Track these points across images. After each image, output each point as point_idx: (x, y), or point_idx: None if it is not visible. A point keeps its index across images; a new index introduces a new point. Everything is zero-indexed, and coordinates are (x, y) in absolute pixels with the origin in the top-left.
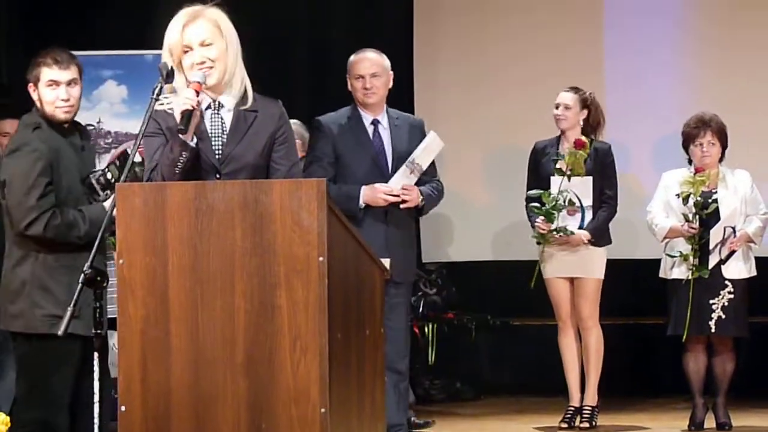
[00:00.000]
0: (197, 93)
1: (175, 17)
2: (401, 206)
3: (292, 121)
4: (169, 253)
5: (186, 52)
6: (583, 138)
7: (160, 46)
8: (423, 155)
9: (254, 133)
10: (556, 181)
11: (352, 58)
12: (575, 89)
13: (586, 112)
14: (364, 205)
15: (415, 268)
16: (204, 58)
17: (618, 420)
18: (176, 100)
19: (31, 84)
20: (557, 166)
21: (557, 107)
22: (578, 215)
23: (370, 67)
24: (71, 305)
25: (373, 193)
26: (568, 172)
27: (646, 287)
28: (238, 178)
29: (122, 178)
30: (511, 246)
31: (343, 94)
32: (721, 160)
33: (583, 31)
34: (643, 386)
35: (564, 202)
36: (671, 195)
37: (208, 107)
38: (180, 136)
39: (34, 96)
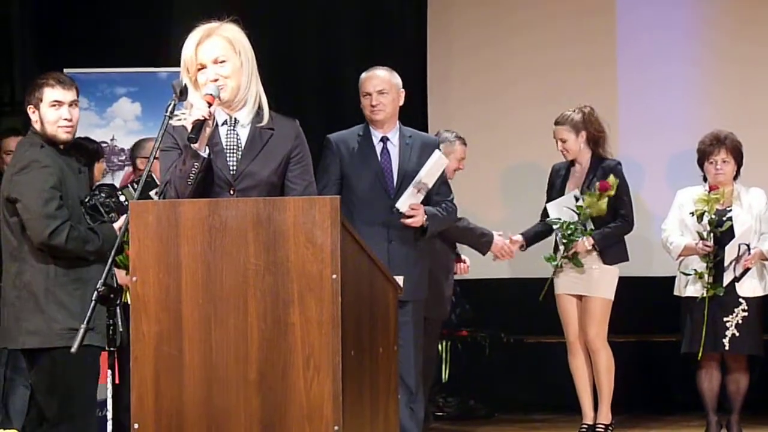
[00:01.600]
0: (209, 104)
1: (190, 34)
2: (405, 222)
3: (446, 133)
4: (183, 270)
5: (200, 69)
6: (609, 181)
7: (173, 64)
8: (429, 174)
9: (269, 151)
10: (567, 201)
11: (362, 75)
12: (562, 117)
13: (584, 133)
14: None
15: (425, 285)
16: (217, 75)
17: None
18: (190, 113)
19: (31, 105)
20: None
21: (556, 142)
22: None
23: (378, 84)
24: (84, 322)
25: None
26: (586, 213)
27: (660, 305)
28: (252, 195)
29: (136, 197)
30: (525, 263)
31: (356, 111)
32: (735, 177)
33: (596, 47)
34: (657, 403)
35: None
36: (685, 213)
37: (224, 123)
38: (191, 146)
39: (34, 117)
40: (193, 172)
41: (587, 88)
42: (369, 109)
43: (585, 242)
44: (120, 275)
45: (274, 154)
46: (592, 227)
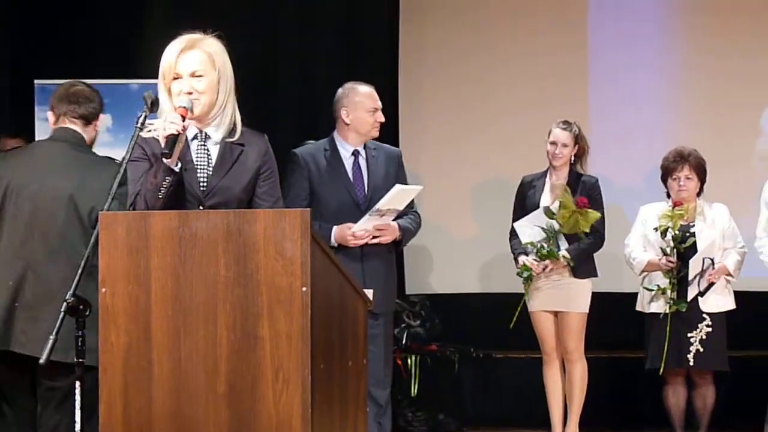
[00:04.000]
0: (183, 118)
1: (173, 42)
2: (377, 241)
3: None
4: (152, 282)
5: (176, 78)
6: (587, 199)
7: (144, 76)
8: (390, 203)
9: (240, 167)
10: (538, 216)
11: (363, 89)
12: (567, 125)
13: (577, 147)
14: (336, 244)
15: (394, 298)
16: (191, 88)
17: None
18: (161, 125)
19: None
20: (552, 211)
21: (553, 144)
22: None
23: (377, 100)
24: (54, 333)
25: (342, 234)
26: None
27: (629, 320)
28: None
29: (105, 207)
30: (495, 278)
31: (327, 127)
32: (699, 194)
33: (568, 61)
34: (626, 419)
35: (551, 233)
36: (649, 228)
37: (195, 138)
38: (164, 160)
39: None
40: (164, 186)
41: (558, 102)
42: (374, 126)
43: (560, 257)
44: None
45: (244, 170)
46: (567, 244)
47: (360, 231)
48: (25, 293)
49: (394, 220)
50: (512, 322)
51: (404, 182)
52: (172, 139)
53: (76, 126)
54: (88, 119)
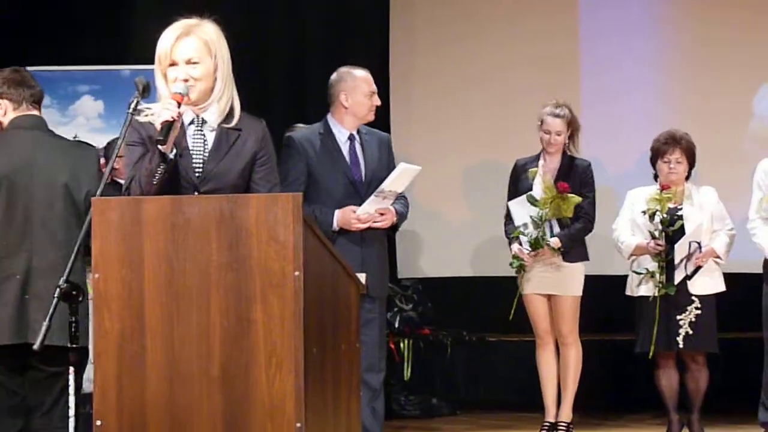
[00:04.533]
0: (178, 104)
1: (169, 27)
2: (378, 225)
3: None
4: (145, 267)
5: (172, 65)
6: (566, 184)
7: (136, 62)
8: (393, 184)
9: (236, 153)
10: (517, 206)
11: (360, 73)
12: (559, 111)
13: (570, 130)
14: (337, 228)
15: (388, 282)
16: (187, 75)
17: None
18: (157, 110)
19: None
20: (534, 195)
21: (547, 133)
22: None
23: (373, 83)
24: (47, 319)
25: (346, 217)
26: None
27: (621, 303)
28: None
29: (98, 192)
30: (487, 261)
31: (316, 110)
32: (687, 178)
33: (559, 46)
34: (619, 402)
35: (539, 221)
36: (637, 212)
37: (191, 123)
38: (159, 147)
39: None
40: (159, 172)
41: (550, 87)
42: (371, 109)
43: (552, 243)
44: None
45: (240, 155)
46: (558, 228)
47: (365, 214)
48: (35, 284)
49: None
50: (510, 313)
51: (393, 167)
52: (167, 126)
53: (37, 111)
54: (40, 103)
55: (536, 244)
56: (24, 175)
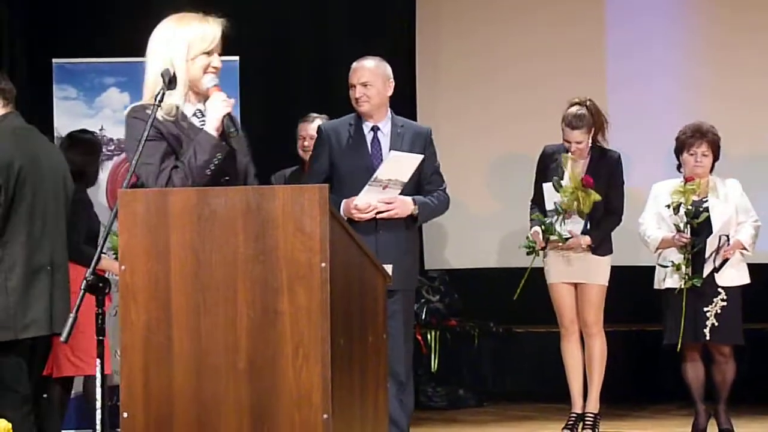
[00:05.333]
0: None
1: (208, 17)
2: (386, 215)
3: None
4: (172, 259)
5: (208, 53)
6: (591, 179)
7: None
8: (390, 173)
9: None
10: (549, 190)
11: (352, 65)
12: (578, 122)
13: (594, 129)
14: (346, 218)
15: (415, 275)
16: (220, 64)
17: (620, 427)
18: (211, 106)
19: None
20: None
21: (567, 142)
22: (576, 217)
23: (362, 76)
24: (74, 311)
25: (347, 207)
26: (569, 213)
27: (648, 294)
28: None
29: (125, 186)
30: (513, 252)
31: (342, 100)
32: (711, 170)
33: (585, 33)
34: (646, 393)
35: (560, 208)
36: (661, 205)
37: (194, 115)
38: (218, 137)
39: None
40: (215, 162)
41: (576, 74)
42: (354, 101)
43: (582, 241)
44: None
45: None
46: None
47: (363, 204)
48: (58, 275)
49: (418, 194)
50: (516, 293)
51: (434, 161)
52: (229, 117)
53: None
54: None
55: (548, 231)
56: (37, 169)
